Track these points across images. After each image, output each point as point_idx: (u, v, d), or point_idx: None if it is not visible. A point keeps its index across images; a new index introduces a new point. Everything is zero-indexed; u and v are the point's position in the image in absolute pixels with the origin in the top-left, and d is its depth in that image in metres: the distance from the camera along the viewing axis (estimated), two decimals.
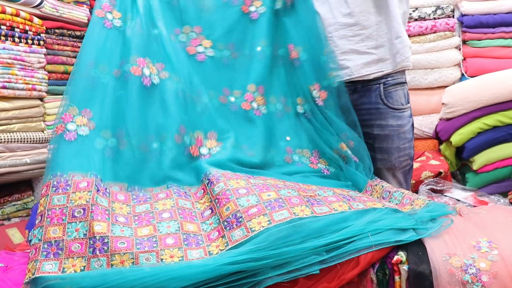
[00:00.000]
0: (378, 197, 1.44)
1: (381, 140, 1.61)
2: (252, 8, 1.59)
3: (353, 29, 1.58)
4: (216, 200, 1.23)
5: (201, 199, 1.29)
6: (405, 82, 1.68)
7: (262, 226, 1.09)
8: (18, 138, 2.08)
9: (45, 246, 1.09)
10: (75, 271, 1.04)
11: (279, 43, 1.60)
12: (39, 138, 2.20)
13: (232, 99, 1.55)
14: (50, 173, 1.22)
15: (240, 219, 1.13)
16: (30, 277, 1.04)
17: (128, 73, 1.43)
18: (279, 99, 1.60)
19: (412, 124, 1.70)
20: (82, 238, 1.09)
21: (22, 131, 2.11)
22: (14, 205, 2.23)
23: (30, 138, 2.14)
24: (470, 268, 1.05)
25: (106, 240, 1.07)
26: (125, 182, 1.31)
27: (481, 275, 1.04)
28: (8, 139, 2.03)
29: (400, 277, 1.12)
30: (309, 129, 1.60)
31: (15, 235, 2.05)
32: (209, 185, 1.29)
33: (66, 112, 1.30)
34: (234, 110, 1.54)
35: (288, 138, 1.58)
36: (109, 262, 1.04)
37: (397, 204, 1.35)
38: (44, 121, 2.29)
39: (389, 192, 1.43)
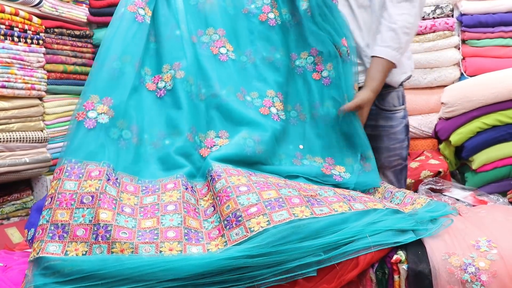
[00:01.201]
0: (380, 197, 1.44)
1: (372, 140, 1.62)
2: (271, 15, 1.63)
3: None
4: (218, 198, 1.24)
5: (205, 196, 1.30)
6: (400, 85, 1.70)
7: (261, 227, 1.09)
8: (17, 138, 2.08)
9: (52, 228, 1.12)
10: (77, 255, 1.07)
11: (298, 52, 1.62)
12: (38, 137, 2.20)
13: (248, 98, 1.57)
14: (65, 158, 1.26)
15: (240, 218, 1.13)
16: (34, 256, 1.07)
17: (143, 85, 1.50)
18: (294, 106, 1.61)
19: (406, 125, 1.73)
20: (87, 224, 1.12)
21: (21, 131, 2.11)
22: (13, 204, 2.23)
23: (29, 138, 2.14)
24: (470, 267, 1.05)
25: (109, 228, 1.10)
26: (136, 175, 1.34)
27: (480, 274, 1.04)
28: (7, 138, 2.03)
29: (399, 277, 1.12)
30: (327, 136, 1.58)
31: (14, 235, 2.05)
32: (211, 181, 1.30)
33: (88, 100, 1.34)
34: (250, 107, 1.55)
35: (301, 147, 1.57)
36: (110, 249, 1.07)
37: (398, 204, 1.35)
38: (43, 120, 2.29)
39: (391, 192, 1.43)
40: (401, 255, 1.13)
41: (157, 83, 1.51)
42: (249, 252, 1.04)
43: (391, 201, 1.39)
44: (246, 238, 1.08)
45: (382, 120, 1.68)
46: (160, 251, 1.07)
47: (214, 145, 1.47)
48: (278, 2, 1.62)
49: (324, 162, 1.55)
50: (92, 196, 1.16)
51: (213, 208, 1.25)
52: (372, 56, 1.56)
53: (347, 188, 1.46)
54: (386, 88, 1.65)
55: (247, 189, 1.23)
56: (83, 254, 1.07)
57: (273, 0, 1.63)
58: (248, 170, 1.37)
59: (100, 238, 1.08)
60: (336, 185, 1.47)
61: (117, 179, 1.26)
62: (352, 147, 1.55)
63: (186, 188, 1.29)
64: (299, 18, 1.59)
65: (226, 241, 1.11)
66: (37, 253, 1.07)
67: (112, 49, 1.41)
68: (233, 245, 1.09)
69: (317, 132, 1.57)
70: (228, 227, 1.14)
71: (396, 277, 1.12)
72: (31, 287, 1.01)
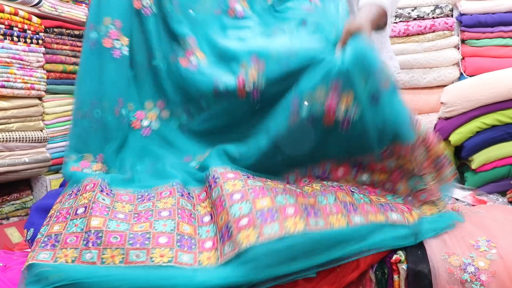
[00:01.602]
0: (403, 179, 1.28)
1: None
2: (238, 7, 1.56)
3: None
4: (214, 207, 1.22)
5: (203, 202, 1.28)
6: None
7: (249, 243, 1.03)
8: (16, 137, 2.08)
9: (46, 239, 1.13)
10: (67, 261, 1.06)
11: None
12: (38, 137, 2.20)
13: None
14: (70, 187, 1.30)
15: (231, 230, 1.10)
16: (26, 265, 1.08)
17: (129, 124, 1.50)
18: None
19: None
20: (78, 232, 1.12)
21: (20, 130, 2.11)
22: (12, 204, 2.23)
23: (29, 137, 2.14)
24: (469, 267, 1.05)
25: (100, 234, 1.09)
26: (131, 188, 1.35)
27: (480, 274, 1.04)
28: (6, 138, 2.03)
29: (399, 276, 1.12)
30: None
31: (14, 235, 2.05)
32: (209, 188, 1.28)
33: (82, 159, 1.39)
34: None
35: (306, 103, 1.23)
36: (100, 255, 1.06)
37: (407, 201, 1.27)
38: (43, 120, 2.29)
39: (416, 182, 1.24)
40: (400, 255, 1.13)
41: (141, 120, 1.51)
42: (240, 279, 1.02)
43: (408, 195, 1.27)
44: (235, 254, 1.04)
45: None
46: (151, 258, 1.05)
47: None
48: None
49: (326, 94, 1.18)
50: (85, 207, 1.17)
51: (210, 216, 1.22)
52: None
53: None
54: None
55: (241, 196, 1.17)
56: (72, 260, 1.06)
57: None
58: (248, 172, 1.32)
59: (90, 244, 1.08)
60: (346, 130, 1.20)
61: (111, 190, 1.27)
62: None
63: (182, 195, 1.28)
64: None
65: (218, 257, 1.08)
66: (28, 261, 1.07)
67: (91, 93, 1.40)
68: (223, 263, 1.05)
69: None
70: (221, 240, 1.12)
71: (395, 277, 1.12)
72: None
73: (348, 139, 1.23)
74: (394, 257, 1.12)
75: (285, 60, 1.27)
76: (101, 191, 1.23)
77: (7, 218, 2.19)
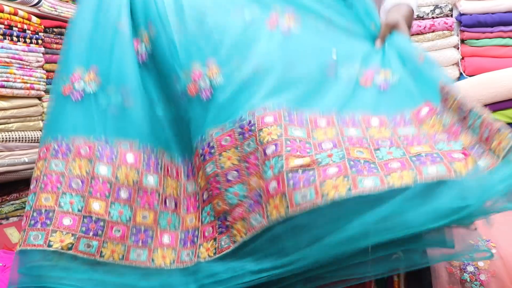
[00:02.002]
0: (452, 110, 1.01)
1: None
2: None
3: None
4: (210, 185, 1.10)
5: (205, 167, 1.12)
6: None
7: (241, 236, 1.02)
8: (16, 137, 2.08)
9: (34, 214, 1.00)
10: (62, 247, 0.98)
11: None
12: (38, 137, 2.19)
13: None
14: (51, 135, 1.12)
15: (227, 223, 1.06)
16: (18, 248, 1.00)
17: (184, 94, 1.24)
18: None
19: None
20: (75, 213, 1.01)
21: (20, 130, 2.11)
22: (12, 204, 2.22)
23: (29, 137, 2.14)
24: (469, 267, 1.05)
25: (102, 224, 1.01)
26: (136, 138, 1.15)
27: (479, 274, 1.04)
28: (6, 138, 2.03)
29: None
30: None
31: (13, 235, 2.04)
32: (202, 159, 1.12)
33: (74, 72, 1.16)
34: None
35: (334, 52, 1.21)
36: (100, 248, 1.00)
37: (475, 137, 0.92)
38: (42, 120, 2.29)
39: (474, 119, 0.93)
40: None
41: (199, 79, 1.17)
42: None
43: (467, 127, 0.95)
44: (230, 249, 1.03)
45: None
46: (152, 259, 1.04)
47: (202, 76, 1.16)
48: None
49: (363, 66, 1.20)
50: (82, 181, 1.04)
51: (207, 193, 1.14)
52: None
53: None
54: None
55: (237, 176, 1.05)
56: (68, 248, 0.98)
57: None
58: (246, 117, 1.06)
59: (91, 233, 1.00)
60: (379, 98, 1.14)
61: (112, 150, 1.10)
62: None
63: (188, 176, 1.19)
64: None
65: (215, 248, 1.06)
66: (20, 245, 0.99)
67: (85, 15, 1.22)
68: (220, 255, 1.04)
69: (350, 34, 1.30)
70: (220, 228, 1.08)
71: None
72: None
73: (388, 95, 1.15)
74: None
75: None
76: (100, 158, 1.07)
77: (7, 218, 2.19)
